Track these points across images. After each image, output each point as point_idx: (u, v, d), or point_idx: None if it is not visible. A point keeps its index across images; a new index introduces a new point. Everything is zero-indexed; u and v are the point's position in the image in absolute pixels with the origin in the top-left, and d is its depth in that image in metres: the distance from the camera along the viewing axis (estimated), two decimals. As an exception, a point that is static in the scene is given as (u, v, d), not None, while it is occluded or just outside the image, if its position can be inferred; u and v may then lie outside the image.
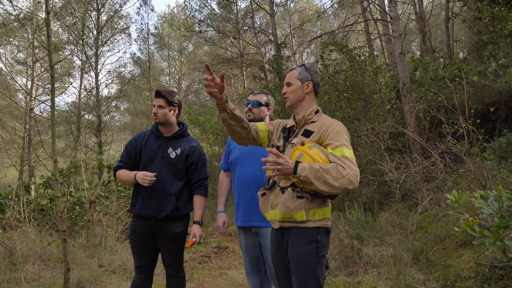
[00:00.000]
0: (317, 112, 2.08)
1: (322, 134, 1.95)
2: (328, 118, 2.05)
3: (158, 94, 2.69)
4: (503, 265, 2.94)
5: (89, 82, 18.21)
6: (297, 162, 1.80)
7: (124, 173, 2.69)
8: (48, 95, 16.82)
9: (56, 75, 16.88)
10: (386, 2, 8.51)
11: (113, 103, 18.40)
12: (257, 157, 2.63)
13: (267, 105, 2.80)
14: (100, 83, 17.28)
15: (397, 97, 7.42)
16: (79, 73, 18.16)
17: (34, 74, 17.31)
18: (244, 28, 16.05)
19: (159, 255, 2.78)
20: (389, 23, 8.47)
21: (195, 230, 2.66)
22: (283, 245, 2.00)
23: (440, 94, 6.00)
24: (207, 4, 16.56)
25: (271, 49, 16.76)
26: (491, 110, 5.69)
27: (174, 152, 2.70)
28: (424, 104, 6.50)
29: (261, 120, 2.80)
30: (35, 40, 14.07)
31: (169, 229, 2.64)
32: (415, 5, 11.11)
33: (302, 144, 1.93)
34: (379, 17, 10.24)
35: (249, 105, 2.76)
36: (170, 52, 25.51)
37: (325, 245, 1.94)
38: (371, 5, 11.99)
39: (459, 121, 5.05)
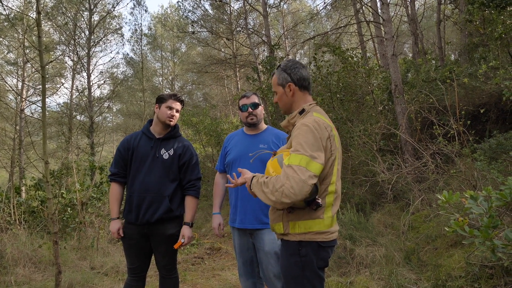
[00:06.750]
0: (302, 112, 1.88)
1: (292, 140, 1.77)
2: (305, 118, 1.82)
3: (178, 99, 2.74)
4: (493, 264, 2.97)
5: (81, 82, 18.04)
6: (253, 177, 1.78)
7: (113, 197, 2.72)
8: (39, 95, 16.62)
9: (47, 76, 16.74)
10: (378, 4, 8.58)
11: (106, 104, 18.25)
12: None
13: (260, 103, 2.83)
14: (92, 83, 17.11)
15: (389, 99, 7.49)
16: (71, 73, 17.98)
17: (25, 74, 17.11)
18: (238, 29, 16.04)
19: (152, 257, 2.77)
20: (381, 25, 8.53)
21: (184, 231, 2.65)
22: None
23: (432, 96, 6.06)
24: (200, 5, 16.50)
25: (264, 50, 16.81)
26: (482, 111, 5.76)
27: (167, 153, 2.69)
28: (416, 106, 6.57)
29: (262, 120, 2.83)
30: (25, 40, 13.89)
31: (162, 231, 2.63)
32: (407, 7, 11.23)
33: (274, 154, 1.88)
34: (372, 19, 10.33)
35: (249, 109, 2.77)
36: (163, 53, 25.39)
37: (313, 260, 1.76)
38: (363, 7, 12.06)
39: (450, 122, 5.11)
